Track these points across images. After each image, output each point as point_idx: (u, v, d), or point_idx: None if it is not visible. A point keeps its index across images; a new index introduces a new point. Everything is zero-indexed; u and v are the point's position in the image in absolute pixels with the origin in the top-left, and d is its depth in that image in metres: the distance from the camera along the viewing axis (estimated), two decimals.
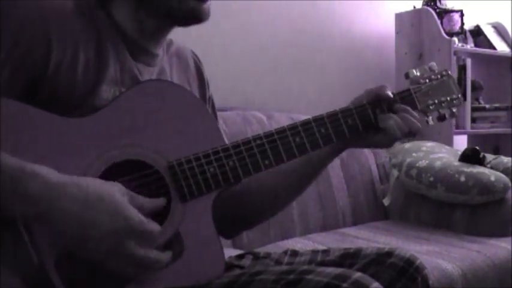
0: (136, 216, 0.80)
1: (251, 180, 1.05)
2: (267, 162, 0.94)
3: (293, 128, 0.97)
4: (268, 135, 0.95)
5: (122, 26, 0.94)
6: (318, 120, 0.99)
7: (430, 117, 1.11)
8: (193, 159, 0.89)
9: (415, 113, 1.04)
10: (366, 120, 1.02)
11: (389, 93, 1.03)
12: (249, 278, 0.93)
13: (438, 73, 1.11)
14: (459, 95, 1.12)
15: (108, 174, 0.84)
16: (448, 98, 1.11)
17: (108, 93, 0.91)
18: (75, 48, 0.88)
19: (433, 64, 1.12)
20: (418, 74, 1.10)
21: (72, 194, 0.76)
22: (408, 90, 1.08)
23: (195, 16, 0.94)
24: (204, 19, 0.95)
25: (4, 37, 0.83)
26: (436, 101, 1.10)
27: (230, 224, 1.11)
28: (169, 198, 0.88)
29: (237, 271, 1.04)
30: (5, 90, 0.82)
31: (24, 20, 0.85)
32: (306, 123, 0.98)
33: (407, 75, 1.10)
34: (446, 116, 1.12)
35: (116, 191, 0.80)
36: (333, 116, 1.00)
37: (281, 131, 0.96)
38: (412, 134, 1.03)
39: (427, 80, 1.10)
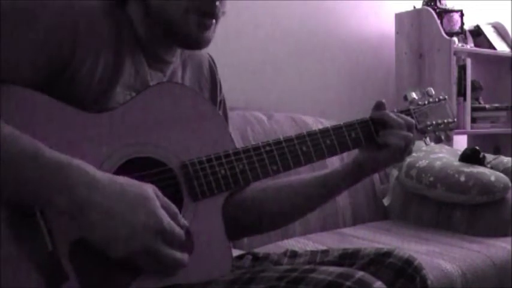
0: (166, 217, 0.83)
1: (263, 193, 1.11)
2: (274, 167, 0.99)
3: (300, 137, 1.02)
4: (277, 142, 1.00)
5: (139, 31, 0.96)
6: (324, 131, 1.04)
7: (428, 139, 1.17)
8: (205, 160, 0.93)
9: (400, 121, 1.08)
10: (369, 135, 1.07)
11: (391, 117, 1.08)
12: (253, 275, 0.94)
13: (435, 97, 1.18)
14: (454, 119, 1.20)
15: (122, 170, 0.87)
16: (445, 121, 1.18)
17: (121, 97, 0.92)
18: (98, 51, 0.90)
19: (430, 89, 1.18)
20: (417, 97, 1.17)
21: (109, 188, 0.80)
22: (408, 110, 1.14)
23: (193, 43, 0.97)
24: (202, 47, 0.99)
25: (32, 36, 0.85)
26: (434, 123, 1.16)
27: (235, 228, 1.12)
28: (181, 197, 0.92)
29: (237, 271, 1.04)
30: (26, 83, 0.84)
31: (54, 21, 0.86)
32: (312, 134, 1.03)
33: (405, 98, 1.17)
34: (442, 138, 1.18)
35: (150, 192, 0.83)
36: (337, 129, 1.05)
37: (289, 140, 1.01)
38: (409, 149, 1.08)
39: (426, 102, 1.16)
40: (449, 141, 1.23)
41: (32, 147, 0.78)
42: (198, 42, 0.96)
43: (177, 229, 0.84)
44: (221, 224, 0.95)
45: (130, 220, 0.80)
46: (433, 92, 1.18)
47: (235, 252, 1.22)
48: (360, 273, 0.89)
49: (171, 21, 0.93)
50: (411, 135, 1.07)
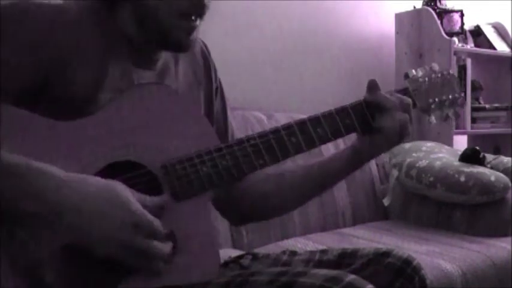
0: (140, 209, 0.82)
1: (267, 181, 1.09)
2: (261, 161, 0.95)
3: (288, 127, 0.97)
4: (262, 135, 0.96)
5: (127, 31, 0.94)
6: (314, 119, 0.99)
7: (433, 117, 1.10)
8: (185, 159, 0.90)
9: (394, 102, 1.01)
10: (363, 120, 1.01)
11: (385, 97, 1.01)
12: (245, 279, 0.93)
13: (439, 72, 1.10)
14: (462, 94, 1.12)
15: (102, 175, 0.85)
16: (450, 97, 1.10)
17: (107, 101, 0.91)
18: (78, 58, 0.89)
19: (435, 64, 1.11)
20: (419, 74, 1.09)
21: (80, 188, 0.79)
22: (406, 88, 1.07)
23: (178, 47, 0.96)
24: (186, 50, 0.97)
25: (12, 47, 0.84)
26: (437, 100, 1.09)
27: (240, 214, 1.14)
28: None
29: (236, 271, 1.04)
30: (5, 96, 0.83)
31: (31, 34, 0.86)
32: (301, 123, 0.98)
33: (406, 75, 1.10)
34: (450, 115, 1.11)
35: (120, 186, 0.82)
36: (328, 116, 1.00)
37: (275, 131, 0.96)
38: (405, 132, 1.01)
39: (427, 79, 1.09)
40: (457, 117, 1.13)
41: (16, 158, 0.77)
42: (185, 46, 0.96)
43: (152, 220, 0.82)
44: (208, 224, 0.92)
45: (105, 217, 0.79)
46: (437, 68, 1.10)
47: (235, 252, 1.22)
48: (351, 277, 0.88)
49: (163, 25, 0.92)
50: (407, 116, 1.00)
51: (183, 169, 0.90)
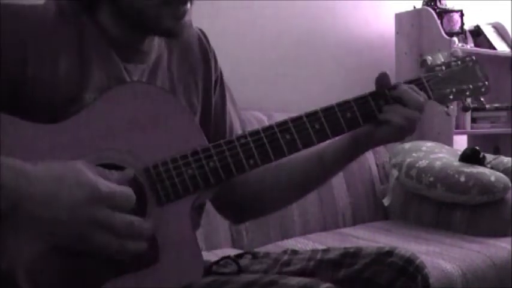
0: (103, 183, 0.75)
1: (266, 173, 1.03)
2: (251, 161, 0.89)
3: (282, 124, 0.91)
4: (253, 133, 0.90)
5: (109, 30, 0.92)
6: (311, 115, 0.93)
7: (451, 107, 1.01)
8: (169, 161, 0.85)
9: (418, 99, 0.95)
10: (367, 113, 0.95)
11: (410, 94, 0.95)
12: (217, 286, 0.92)
13: (460, 59, 1.01)
14: (486, 82, 1.02)
15: None
16: (471, 86, 1.01)
17: (91, 101, 0.88)
18: (55, 58, 0.86)
19: (457, 50, 1.03)
20: (438, 61, 1.00)
21: (39, 175, 0.73)
22: (419, 78, 0.99)
23: (170, 34, 0.93)
24: (179, 36, 0.94)
25: None
26: (455, 90, 1.00)
27: (236, 211, 1.12)
28: (146, 201, 0.85)
29: (214, 277, 1.01)
30: None
31: (6, 34, 0.83)
32: (297, 119, 0.92)
33: (423, 63, 1.01)
34: (471, 105, 1.02)
35: (79, 164, 0.76)
36: (328, 110, 0.93)
37: (268, 128, 0.91)
38: (413, 129, 0.96)
39: (444, 67, 1.00)
40: (482, 106, 1.05)
41: None
42: (176, 32, 0.92)
43: (120, 190, 0.76)
44: (189, 228, 0.87)
45: (69, 199, 0.73)
46: (460, 54, 1.01)
47: (235, 252, 1.22)
48: (325, 285, 0.86)
49: (145, 17, 0.89)
50: (419, 114, 0.94)
51: (166, 171, 0.85)
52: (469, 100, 1.02)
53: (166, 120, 0.88)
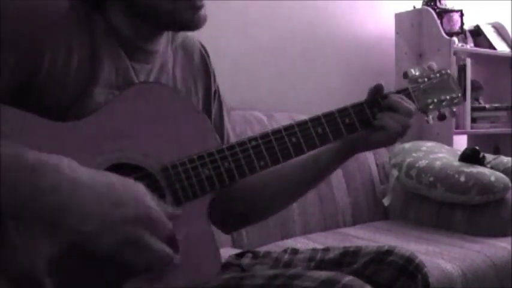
0: (155, 207, 0.79)
1: (254, 178, 1.03)
2: (262, 163, 0.93)
3: (289, 128, 0.96)
4: (264, 135, 0.94)
5: (118, 28, 0.93)
6: (315, 120, 0.98)
7: (430, 117, 1.11)
8: (187, 161, 0.88)
9: (409, 107, 1.03)
10: (364, 119, 1.02)
11: (400, 103, 1.03)
12: (238, 282, 0.92)
13: (437, 72, 1.11)
14: (459, 94, 1.12)
15: None
16: (448, 97, 1.11)
17: (103, 97, 0.89)
18: (69, 52, 0.87)
19: (433, 64, 1.12)
20: (417, 73, 1.10)
21: (97, 179, 0.75)
22: (406, 89, 1.08)
23: (189, 27, 0.93)
24: (199, 27, 0.94)
25: None
26: (436, 100, 1.10)
27: (230, 219, 1.12)
28: (165, 202, 0.87)
29: (233, 273, 1.03)
30: None
31: (19, 24, 0.84)
32: (302, 123, 0.97)
33: (405, 75, 1.11)
34: (447, 114, 1.12)
35: (139, 183, 0.80)
36: (329, 116, 1.00)
37: (277, 131, 0.95)
38: (404, 134, 1.04)
39: (426, 79, 1.10)
40: (453, 116, 1.15)
41: (14, 150, 0.72)
42: (195, 24, 0.92)
43: (166, 221, 0.80)
44: (208, 226, 0.91)
45: (121, 204, 0.76)
46: (435, 67, 1.12)
47: (236, 251, 1.22)
48: (347, 278, 0.87)
49: (159, 12, 0.90)
50: (410, 121, 1.02)
51: (184, 171, 0.88)
52: (444, 110, 1.12)
53: (181, 122, 0.91)
